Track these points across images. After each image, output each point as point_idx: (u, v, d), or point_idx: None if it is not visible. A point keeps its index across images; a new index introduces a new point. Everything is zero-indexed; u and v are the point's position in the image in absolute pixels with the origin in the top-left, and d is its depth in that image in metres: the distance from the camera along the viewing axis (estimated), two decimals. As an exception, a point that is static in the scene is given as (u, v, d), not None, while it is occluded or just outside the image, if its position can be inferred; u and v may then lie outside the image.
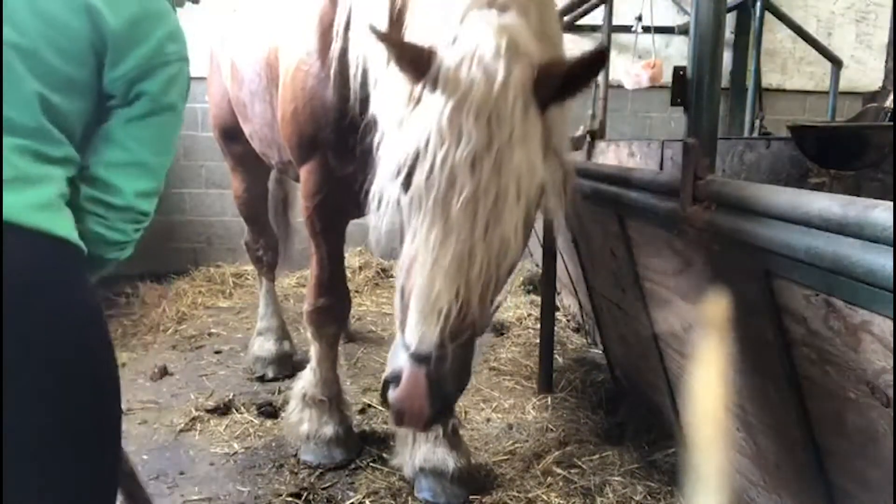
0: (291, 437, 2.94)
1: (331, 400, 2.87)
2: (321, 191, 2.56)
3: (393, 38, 1.58)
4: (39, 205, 1.23)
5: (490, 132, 1.41)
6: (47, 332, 1.23)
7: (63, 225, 1.27)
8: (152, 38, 1.41)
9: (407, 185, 1.49)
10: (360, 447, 2.94)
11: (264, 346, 3.90)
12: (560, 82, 1.53)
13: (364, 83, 2.08)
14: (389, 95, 1.71)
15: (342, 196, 2.44)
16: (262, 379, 3.79)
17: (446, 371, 1.53)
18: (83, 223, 1.39)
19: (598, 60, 1.56)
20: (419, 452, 2.59)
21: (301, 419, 2.88)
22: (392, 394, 1.58)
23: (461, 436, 2.69)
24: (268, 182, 4.10)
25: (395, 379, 1.57)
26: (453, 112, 1.42)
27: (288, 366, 3.84)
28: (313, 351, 2.89)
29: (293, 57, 2.50)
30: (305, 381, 2.93)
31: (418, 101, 1.54)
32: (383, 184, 1.57)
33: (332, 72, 2.29)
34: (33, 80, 1.28)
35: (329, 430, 2.82)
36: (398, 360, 1.58)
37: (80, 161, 1.37)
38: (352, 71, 2.14)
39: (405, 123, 1.57)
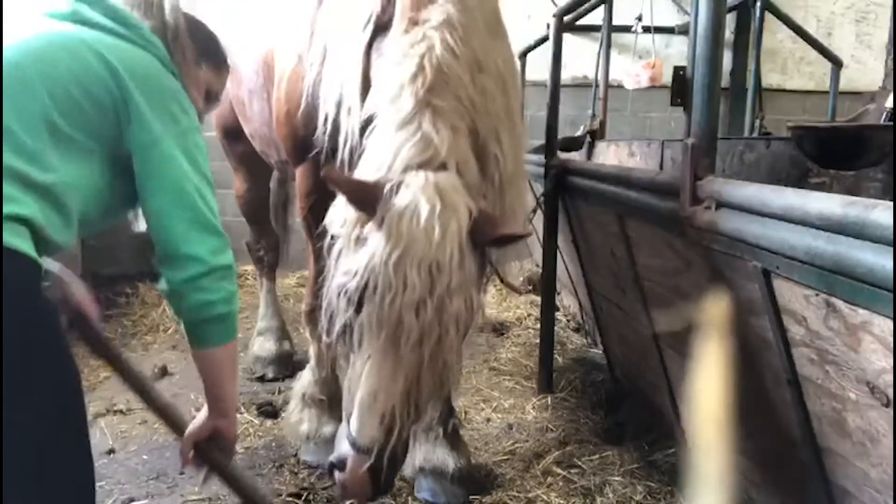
0: (291, 437, 2.93)
1: (330, 399, 2.87)
2: (316, 191, 2.59)
3: (342, 179, 1.80)
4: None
5: (431, 281, 1.64)
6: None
7: (19, 238, 1.31)
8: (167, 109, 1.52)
9: (358, 310, 1.70)
10: None
11: (264, 346, 3.89)
12: (493, 233, 1.77)
13: (336, 119, 2.23)
14: (342, 208, 1.88)
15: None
16: (262, 379, 3.78)
17: (386, 459, 1.74)
18: (186, 301, 1.56)
19: (513, 239, 1.81)
20: (419, 452, 2.59)
21: (301, 419, 2.88)
22: (337, 475, 1.83)
23: (461, 436, 2.70)
24: (270, 183, 4.10)
25: (339, 463, 1.79)
26: (398, 262, 1.63)
27: (288, 366, 3.84)
28: (312, 351, 2.90)
29: (287, 59, 2.51)
30: (305, 380, 2.93)
31: (365, 231, 1.76)
32: (335, 303, 1.78)
33: (308, 79, 2.38)
34: (48, 100, 1.37)
35: (329, 429, 2.81)
36: (342, 446, 1.81)
37: (63, 197, 1.41)
38: (321, 110, 2.29)
39: (354, 246, 1.78)
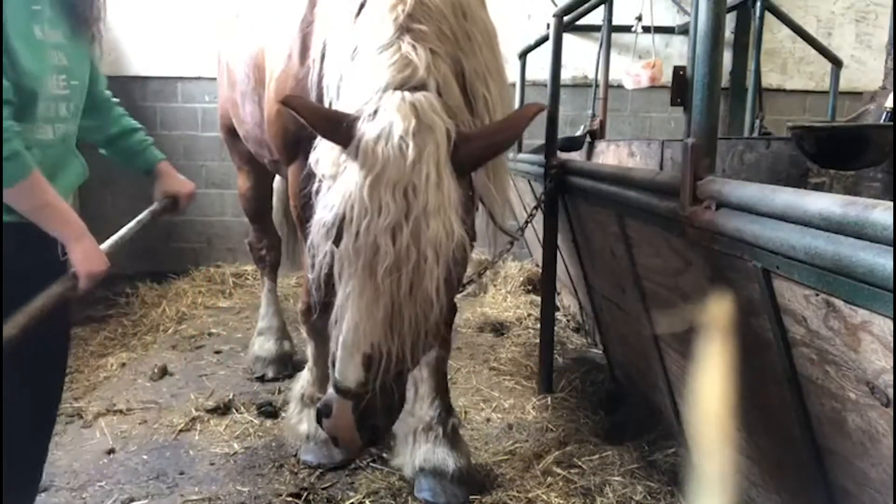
0: (291, 437, 2.94)
1: None
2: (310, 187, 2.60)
3: (305, 107, 1.73)
4: None
5: (407, 204, 1.58)
6: None
7: None
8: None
9: (337, 242, 1.65)
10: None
11: (265, 345, 3.89)
12: (478, 150, 1.71)
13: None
14: (325, 147, 1.84)
15: None
16: (262, 379, 3.78)
17: (373, 405, 1.70)
18: None
19: (515, 126, 1.75)
20: (419, 452, 2.60)
21: (300, 419, 2.89)
22: (324, 423, 1.79)
23: (461, 436, 2.70)
24: (272, 182, 4.10)
25: (325, 409, 1.76)
26: (372, 186, 1.58)
27: (288, 366, 3.85)
28: (310, 350, 2.90)
29: (278, 59, 2.51)
30: (304, 380, 2.94)
31: (344, 164, 1.70)
32: (316, 240, 1.73)
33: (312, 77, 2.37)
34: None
35: None
36: (329, 392, 1.77)
37: None
38: (326, 101, 2.26)
39: (334, 182, 1.73)
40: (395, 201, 1.57)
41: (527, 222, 3.39)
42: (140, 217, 2.10)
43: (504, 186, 2.17)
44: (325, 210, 1.69)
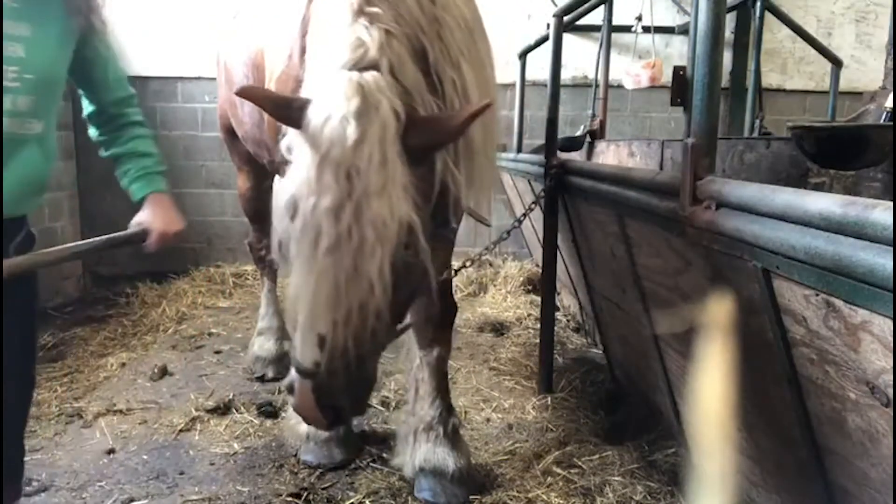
0: (291, 437, 2.94)
1: None
2: None
3: (259, 94, 1.76)
4: None
5: (350, 185, 1.57)
6: None
7: None
8: None
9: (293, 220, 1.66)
10: (360, 447, 2.94)
11: (265, 346, 3.90)
12: (428, 134, 1.69)
13: None
14: (290, 133, 1.84)
15: None
16: (262, 379, 3.79)
17: (333, 386, 1.69)
18: None
19: (458, 119, 1.69)
20: (420, 452, 2.60)
21: (300, 419, 2.87)
22: (290, 401, 1.78)
23: (461, 436, 2.70)
24: (272, 183, 4.09)
25: (290, 388, 1.78)
26: (318, 167, 1.58)
27: (288, 366, 3.81)
28: None
29: (278, 59, 2.51)
30: None
31: (300, 147, 1.71)
32: (275, 222, 1.74)
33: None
34: None
35: None
36: (292, 372, 1.78)
37: None
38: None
39: (291, 166, 1.74)
40: (338, 182, 1.56)
41: (524, 215, 3.39)
42: (95, 240, 2.01)
43: (480, 174, 2.12)
44: (282, 192, 1.70)
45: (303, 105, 1.65)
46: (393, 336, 1.89)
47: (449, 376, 3.79)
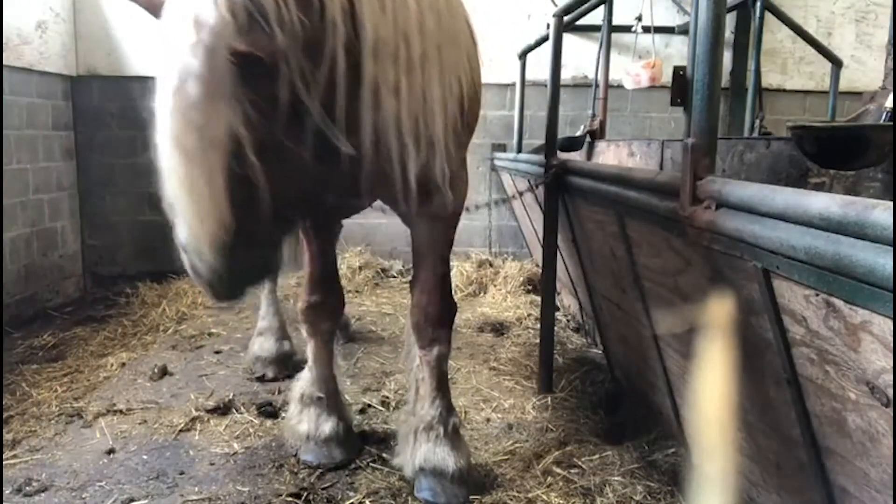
0: (292, 438, 2.93)
1: (328, 397, 2.88)
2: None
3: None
4: None
5: (179, 91, 1.58)
6: None
7: None
8: None
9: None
10: (360, 447, 2.95)
11: (264, 346, 3.90)
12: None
13: None
14: None
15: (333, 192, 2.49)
16: (261, 379, 3.79)
17: (198, 266, 1.77)
18: None
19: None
20: (420, 452, 2.60)
21: (300, 419, 2.88)
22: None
23: (462, 435, 2.70)
24: None
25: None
26: (160, 70, 1.62)
27: (288, 366, 3.85)
28: (309, 349, 2.90)
29: None
30: (303, 381, 2.94)
31: None
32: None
33: None
34: None
35: (328, 427, 2.83)
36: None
37: None
38: None
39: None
40: (168, 86, 1.59)
41: (519, 194, 3.37)
42: None
43: (415, 125, 2.06)
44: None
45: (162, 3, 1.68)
46: (262, 238, 1.90)
47: (449, 376, 3.82)
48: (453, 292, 2.84)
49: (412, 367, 2.74)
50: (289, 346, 3.96)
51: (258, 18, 1.62)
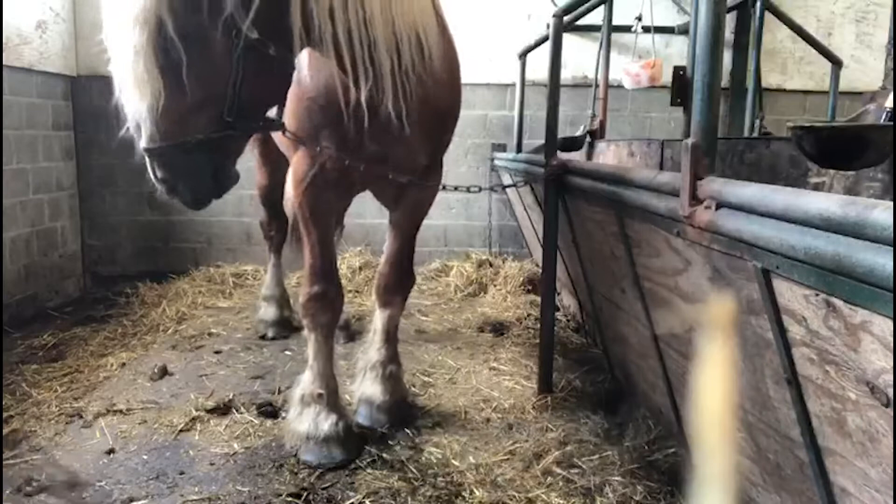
0: (292, 439, 2.92)
1: (328, 395, 2.91)
2: (309, 176, 2.75)
3: None
4: None
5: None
6: None
7: None
8: None
9: None
10: (360, 447, 2.95)
11: (268, 311, 4.59)
12: None
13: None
14: None
15: (332, 182, 2.75)
16: (263, 338, 4.46)
17: (155, 162, 2.12)
18: None
19: None
20: (362, 386, 3.23)
21: (300, 419, 2.90)
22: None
23: (399, 379, 3.28)
24: (286, 175, 4.29)
25: None
26: None
27: (287, 328, 4.57)
28: (310, 345, 2.93)
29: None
30: (304, 380, 2.95)
31: None
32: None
33: None
34: None
35: (327, 425, 2.86)
36: None
37: None
38: None
39: None
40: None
41: (513, 185, 3.41)
42: None
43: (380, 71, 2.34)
44: None
45: None
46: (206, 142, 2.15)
47: (449, 376, 3.82)
48: (413, 269, 3.26)
49: (374, 319, 3.30)
50: (288, 311, 4.65)
51: None
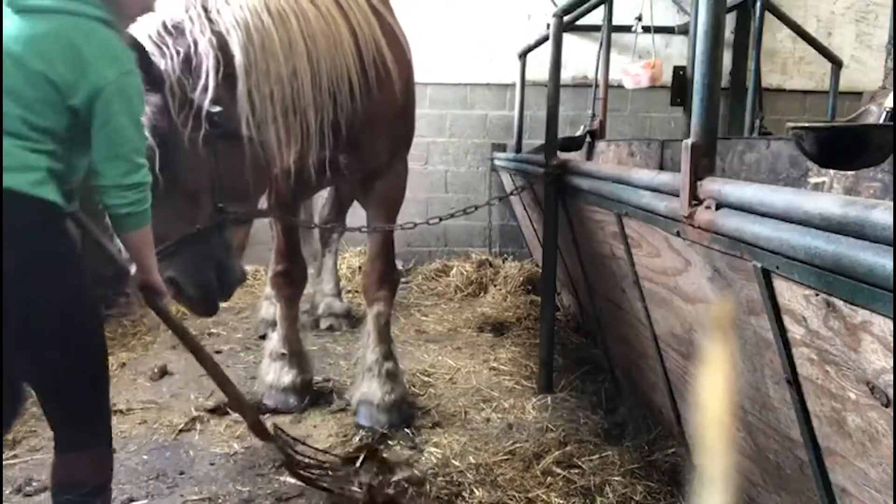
0: (261, 388, 3.42)
1: (290, 354, 3.41)
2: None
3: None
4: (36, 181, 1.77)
5: None
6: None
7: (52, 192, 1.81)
8: (90, 78, 1.81)
9: None
10: (313, 398, 3.43)
11: (269, 310, 4.47)
12: None
13: None
14: None
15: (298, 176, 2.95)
16: (263, 338, 4.16)
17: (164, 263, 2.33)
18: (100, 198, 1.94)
19: None
20: (360, 388, 3.27)
21: (267, 371, 3.43)
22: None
23: (397, 376, 3.30)
24: None
25: None
26: None
27: None
28: (277, 312, 3.51)
29: None
30: (272, 340, 3.50)
31: None
32: None
33: None
34: (15, 107, 1.77)
35: (287, 379, 3.38)
36: None
37: (62, 152, 1.85)
38: None
39: None
40: None
41: (495, 200, 3.41)
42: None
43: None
44: None
45: None
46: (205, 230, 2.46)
47: (449, 376, 3.83)
48: (394, 262, 3.41)
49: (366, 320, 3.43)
50: None
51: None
